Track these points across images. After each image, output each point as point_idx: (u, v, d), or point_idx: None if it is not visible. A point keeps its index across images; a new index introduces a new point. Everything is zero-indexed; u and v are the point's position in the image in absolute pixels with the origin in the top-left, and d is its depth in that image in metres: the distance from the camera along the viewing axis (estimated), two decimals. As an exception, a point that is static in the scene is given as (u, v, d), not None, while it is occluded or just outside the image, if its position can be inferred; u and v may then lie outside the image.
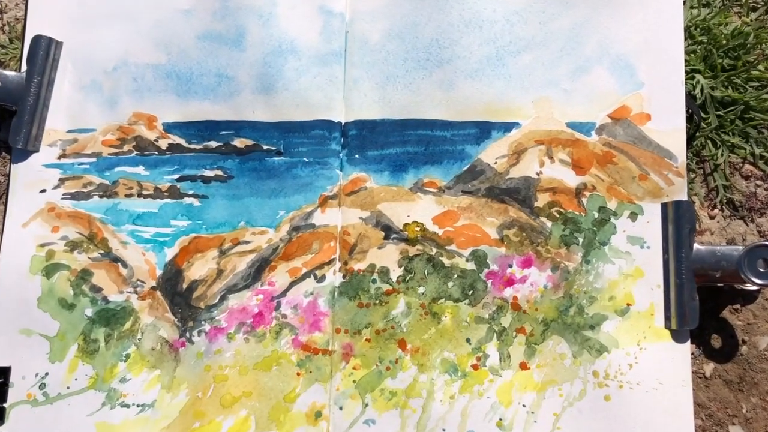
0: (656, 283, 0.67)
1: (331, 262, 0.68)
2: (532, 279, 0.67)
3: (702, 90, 0.72)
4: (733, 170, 0.72)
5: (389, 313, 0.67)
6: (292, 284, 0.68)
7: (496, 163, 0.69)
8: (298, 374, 0.66)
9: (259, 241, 0.69)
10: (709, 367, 0.68)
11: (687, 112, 0.70)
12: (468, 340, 0.67)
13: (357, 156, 0.70)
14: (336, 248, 0.68)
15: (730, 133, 0.72)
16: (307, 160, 0.70)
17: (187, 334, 0.68)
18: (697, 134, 0.71)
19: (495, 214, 0.69)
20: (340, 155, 0.70)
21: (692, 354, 0.67)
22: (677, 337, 0.66)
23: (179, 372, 0.67)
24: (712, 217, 0.71)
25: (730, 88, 0.72)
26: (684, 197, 0.68)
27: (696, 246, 0.66)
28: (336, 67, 0.71)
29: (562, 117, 0.70)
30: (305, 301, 0.68)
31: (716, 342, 0.69)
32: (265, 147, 0.70)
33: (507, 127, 0.70)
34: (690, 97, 0.71)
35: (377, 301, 0.67)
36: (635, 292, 0.67)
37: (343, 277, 0.68)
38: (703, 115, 0.72)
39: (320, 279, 0.68)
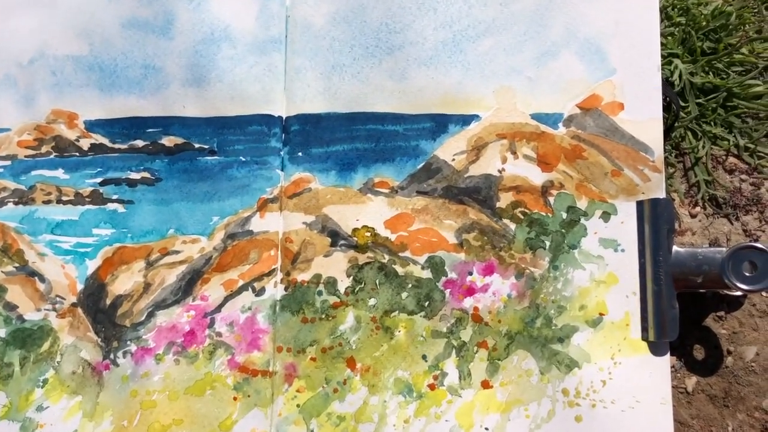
0: (632, 290, 0.61)
1: (271, 272, 0.62)
2: (494, 287, 0.61)
3: (680, 76, 0.65)
4: (716, 164, 0.66)
5: (337, 329, 0.61)
6: (227, 298, 0.61)
7: (453, 159, 0.63)
8: (235, 399, 0.60)
9: (190, 250, 0.62)
10: (691, 382, 0.62)
11: (664, 100, 0.63)
12: (424, 357, 0.60)
13: (300, 154, 0.63)
14: (277, 257, 0.62)
15: (712, 123, 0.66)
16: (243, 159, 0.63)
17: (112, 356, 0.61)
18: (676, 125, 0.65)
19: (453, 217, 0.62)
20: (281, 153, 0.63)
21: (672, 367, 0.61)
22: (655, 349, 0.60)
23: (103, 398, 0.60)
24: (693, 216, 0.65)
25: (711, 73, 0.66)
26: (662, 194, 0.62)
27: (675, 248, 0.60)
28: (275, 55, 0.64)
29: (526, 108, 0.63)
30: (242, 317, 0.61)
31: (699, 353, 0.63)
32: (196, 146, 0.64)
33: (465, 120, 0.63)
34: (667, 84, 0.65)
35: (323, 316, 0.61)
36: (609, 300, 0.61)
37: (285, 289, 0.61)
38: (682, 104, 0.65)
39: (259, 292, 0.61)
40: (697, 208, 0.65)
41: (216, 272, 0.62)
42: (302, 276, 0.62)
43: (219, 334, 0.61)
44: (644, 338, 0.60)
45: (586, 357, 0.60)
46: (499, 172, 0.63)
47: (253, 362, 0.60)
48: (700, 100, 0.66)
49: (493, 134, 0.63)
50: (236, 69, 0.64)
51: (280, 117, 0.64)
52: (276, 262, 0.62)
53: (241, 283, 0.62)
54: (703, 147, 0.65)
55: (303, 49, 0.64)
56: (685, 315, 0.60)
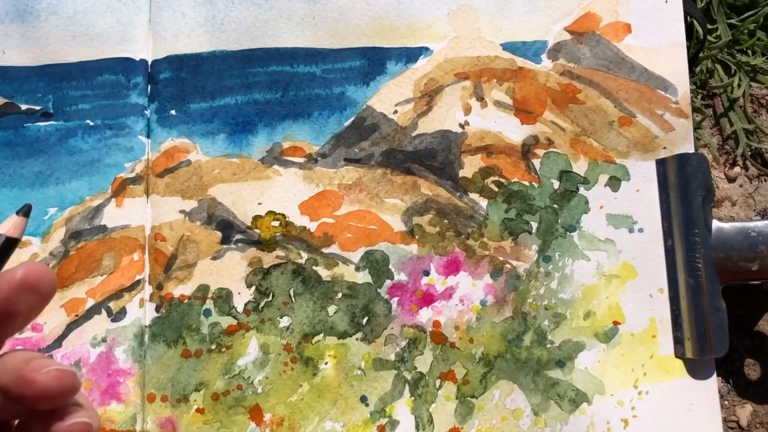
0: (657, 287, 0.43)
1: (135, 286, 0.42)
2: (461, 292, 0.43)
3: (704, -13, 0.48)
4: (758, 106, 0.48)
5: (234, 365, 0.42)
6: (70, 327, 0.42)
7: (395, 112, 0.44)
8: (83, 477, 0.40)
9: (16, 258, 0.42)
10: (745, 412, 0.44)
11: (685, 19, 0.46)
12: (363, 399, 0.41)
13: (173, 112, 0.44)
14: (143, 264, 0.43)
15: (749, 52, 0.48)
16: (91, 123, 0.44)
17: None
18: (701, 55, 0.47)
19: (399, 193, 0.44)
20: (146, 113, 0.44)
21: (719, 393, 0.43)
22: (696, 370, 0.42)
23: None
24: (731, 179, 0.48)
25: (745, -18, 0.49)
26: (691, 148, 0.44)
27: (716, 223, 0.42)
28: (135, -26, 0.45)
29: (495, 35, 0.45)
30: (94, 353, 0.42)
31: (753, 371, 0.45)
32: (23, 107, 0.44)
33: (410, 54, 0.45)
34: (687, -3, 0.47)
35: (214, 347, 0.42)
36: (625, 302, 0.43)
37: (157, 309, 0.42)
38: (709, 26, 0.48)
39: (118, 316, 0.42)
40: (737, 168, 0.48)
41: (53, 289, 0.42)
42: (181, 289, 0.43)
43: (59, 381, 0.41)
44: (679, 355, 0.42)
45: (599, 386, 0.42)
46: (461, 127, 0.45)
47: (111, 419, 0.41)
48: (732, 20, 0.48)
49: (450, 73, 0.45)
50: (78, -6, 0.45)
51: (143, 61, 0.45)
52: (142, 271, 0.43)
53: (90, 303, 0.42)
54: (739, 84, 0.48)
55: (175, -36, 0.45)
56: (732, 317, 0.43)
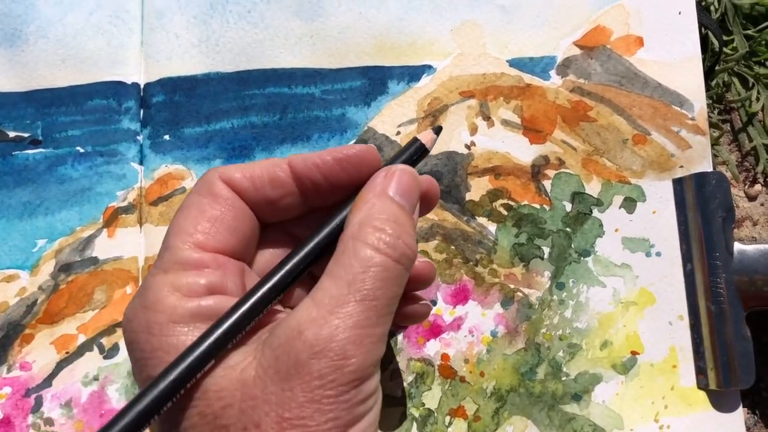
0: (677, 314, 0.41)
1: (128, 320, 0.41)
2: (470, 322, 0.41)
3: (719, -3, 0.46)
4: (778, 120, 0.47)
5: (232, 402, 0.40)
6: (61, 365, 0.41)
7: (398, 133, 0.43)
8: None
9: (3, 293, 0.41)
10: (772, 445, 0.42)
11: (700, 31, 0.44)
12: (369, 438, 0.39)
13: (167, 137, 0.43)
14: (136, 296, 0.41)
15: None
16: (82, 150, 0.43)
17: None
18: (717, 67, 0.46)
19: (403, 218, 0.42)
20: (139, 138, 0.43)
21: (745, 426, 0.41)
22: (720, 401, 0.40)
23: None
24: (751, 198, 0.46)
25: (761, -9, 0.47)
26: (709, 167, 0.42)
27: (738, 246, 0.40)
28: (126, -6, 0.44)
29: (501, 51, 0.44)
30: (85, 392, 0.40)
31: (780, 401, 0.43)
32: (11, 134, 0.43)
33: (413, 73, 0.43)
34: (701, 8, 0.45)
35: (211, 382, 0.40)
36: (644, 331, 0.41)
37: (151, 344, 0.40)
38: (725, 38, 0.46)
39: (110, 352, 0.41)
40: (757, 186, 0.46)
41: (43, 325, 0.41)
42: (176, 323, 0.41)
43: (50, 422, 0.40)
44: (702, 386, 0.40)
45: (617, 421, 0.40)
46: (467, 147, 0.43)
47: (104, 462, 0.39)
48: (749, 31, 0.47)
49: (454, 92, 0.43)
50: (67, 17, 0.44)
51: (135, 84, 0.43)
52: (135, 304, 0.41)
53: (81, 339, 0.41)
54: (758, 98, 0.46)
55: (167, -16, 0.44)
56: (755, 346, 0.41)
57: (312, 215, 0.29)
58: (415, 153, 0.30)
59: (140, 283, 0.41)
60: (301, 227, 0.30)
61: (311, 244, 0.27)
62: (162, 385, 0.23)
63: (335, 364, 0.23)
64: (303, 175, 0.28)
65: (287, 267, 0.26)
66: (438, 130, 0.31)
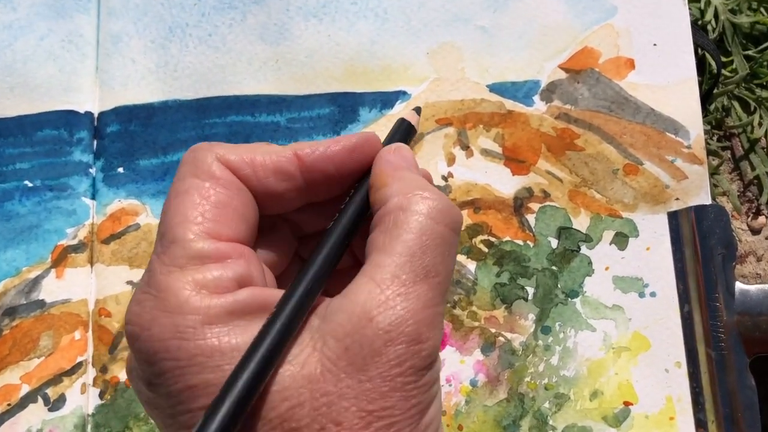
0: (673, 360, 0.38)
1: (76, 369, 0.38)
2: (447, 370, 0.38)
3: (716, 16, 0.44)
4: (782, 147, 0.44)
5: (187, 459, 0.37)
6: (2, 418, 0.38)
7: (371, 164, 0.40)
8: None
9: (-60, 340, 0.39)
10: (782, 504, 0.39)
11: (696, 52, 0.42)
12: (337, 498, 0.37)
13: (121, 170, 0.41)
14: (86, 343, 0.39)
15: (770, 86, 0.44)
16: (30, 184, 0.40)
17: None
18: (715, 91, 0.43)
19: (375, 256, 0.39)
20: (91, 171, 0.40)
21: (751, 484, 0.38)
22: (722, 458, 0.37)
23: None
24: (755, 231, 0.43)
25: (762, 9, 0.44)
26: (707, 199, 0.40)
27: (740, 285, 0.38)
28: (81, 17, 0.42)
29: (481, 75, 0.41)
30: (28, 448, 0.38)
31: (789, 455, 0.40)
32: (-45, 167, 0.41)
33: (385, 99, 0.41)
34: (697, 28, 0.43)
35: (165, 437, 0.37)
36: (637, 379, 0.38)
37: (101, 396, 0.38)
38: (723, 59, 0.44)
39: (56, 404, 0.38)
40: (761, 218, 0.43)
41: (-16, 374, 0.38)
42: (128, 371, 0.38)
43: (-11, 482, 0.37)
44: (702, 440, 0.37)
45: (609, 480, 0.37)
46: (444, 179, 0.40)
47: None
48: (749, 52, 0.44)
49: (431, 120, 0.41)
50: (17, 42, 0.42)
51: (88, 113, 0.41)
52: (84, 352, 0.39)
53: (25, 389, 0.38)
54: (761, 123, 0.44)
55: (124, 7, 0.42)
56: (760, 394, 0.38)
57: (309, 206, 0.28)
58: (405, 133, 0.29)
59: (90, 327, 0.39)
60: (297, 215, 0.28)
61: (343, 226, 0.25)
62: (240, 383, 0.21)
63: (412, 348, 0.22)
64: (314, 166, 0.26)
65: (326, 251, 0.25)
66: (419, 111, 0.30)
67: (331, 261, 0.25)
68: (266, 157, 0.26)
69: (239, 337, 0.22)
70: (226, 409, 0.21)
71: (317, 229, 0.28)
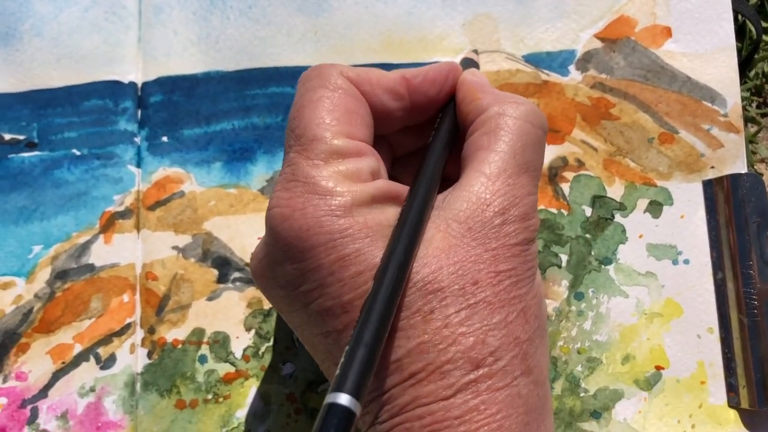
0: (706, 326, 0.40)
1: (125, 330, 0.41)
2: (482, 334, 0.40)
3: (756, -18, 0.45)
4: (821, 116, 0.45)
5: (232, 416, 0.40)
6: (57, 375, 0.41)
7: (407, 133, 0.42)
8: None
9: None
10: (811, 468, 0.41)
11: (735, 20, 0.43)
12: (375, 455, 0.39)
13: (165, 139, 0.43)
14: (134, 306, 0.41)
15: (810, 54, 0.45)
16: (78, 153, 0.43)
17: None
18: (756, 56, 0.44)
19: (411, 224, 0.41)
20: (136, 140, 0.43)
21: (781, 448, 0.40)
22: (753, 421, 0.39)
23: None
24: (791, 200, 0.44)
25: (803, -25, 0.45)
26: (743, 168, 0.41)
27: (773, 254, 0.39)
28: (124, -10, 0.44)
29: (516, 46, 0.43)
30: (82, 403, 0.41)
31: (820, 421, 0.42)
32: (6, 136, 0.43)
33: (422, 69, 0.43)
34: (736, -5, 0.44)
35: (210, 396, 0.40)
36: (669, 344, 0.40)
37: (149, 356, 0.41)
38: (764, 24, 0.44)
39: (107, 363, 0.41)
40: (798, 188, 0.44)
41: (39, 334, 0.41)
42: (174, 333, 0.41)
43: (46, 434, 0.40)
44: (733, 404, 0.39)
45: (640, 441, 0.39)
46: (481, 148, 0.42)
47: (101, 477, 0.40)
48: (789, 19, 0.45)
49: (466, 89, 0.43)
50: (62, 14, 0.44)
51: (132, 83, 0.44)
52: (132, 314, 0.41)
53: (78, 349, 0.41)
54: (799, 91, 0.44)
55: (165, -22, 0.44)
56: (795, 361, 0.39)
57: (405, 129, 0.33)
58: (472, 67, 0.34)
59: (138, 291, 0.42)
60: (394, 137, 0.33)
61: (442, 136, 0.31)
62: (400, 247, 0.26)
63: (523, 224, 0.28)
64: (419, 89, 0.31)
65: (437, 152, 0.30)
66: (477, 51, 0.36)
67: (442, 159, 0.30)
68: (381, 77, 0.31)
69: (381, 216, 0.28)
70: (394, 269, 0.25)
71: (408, 151, 0.34)
